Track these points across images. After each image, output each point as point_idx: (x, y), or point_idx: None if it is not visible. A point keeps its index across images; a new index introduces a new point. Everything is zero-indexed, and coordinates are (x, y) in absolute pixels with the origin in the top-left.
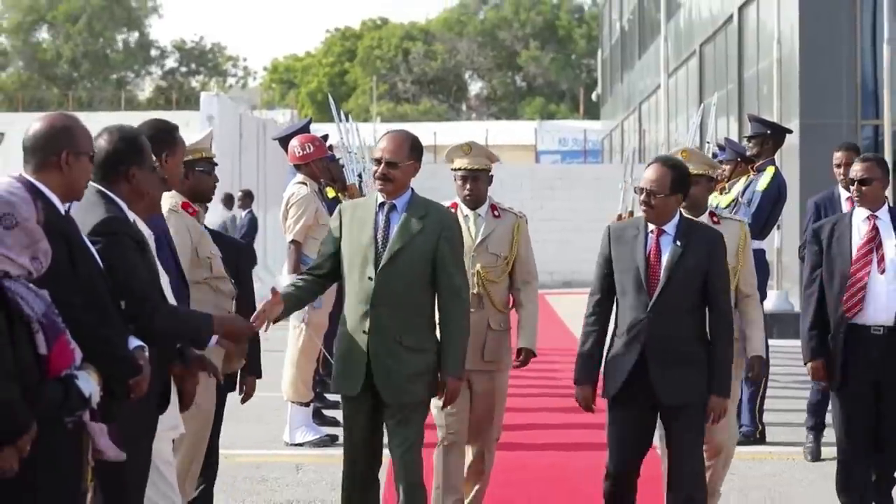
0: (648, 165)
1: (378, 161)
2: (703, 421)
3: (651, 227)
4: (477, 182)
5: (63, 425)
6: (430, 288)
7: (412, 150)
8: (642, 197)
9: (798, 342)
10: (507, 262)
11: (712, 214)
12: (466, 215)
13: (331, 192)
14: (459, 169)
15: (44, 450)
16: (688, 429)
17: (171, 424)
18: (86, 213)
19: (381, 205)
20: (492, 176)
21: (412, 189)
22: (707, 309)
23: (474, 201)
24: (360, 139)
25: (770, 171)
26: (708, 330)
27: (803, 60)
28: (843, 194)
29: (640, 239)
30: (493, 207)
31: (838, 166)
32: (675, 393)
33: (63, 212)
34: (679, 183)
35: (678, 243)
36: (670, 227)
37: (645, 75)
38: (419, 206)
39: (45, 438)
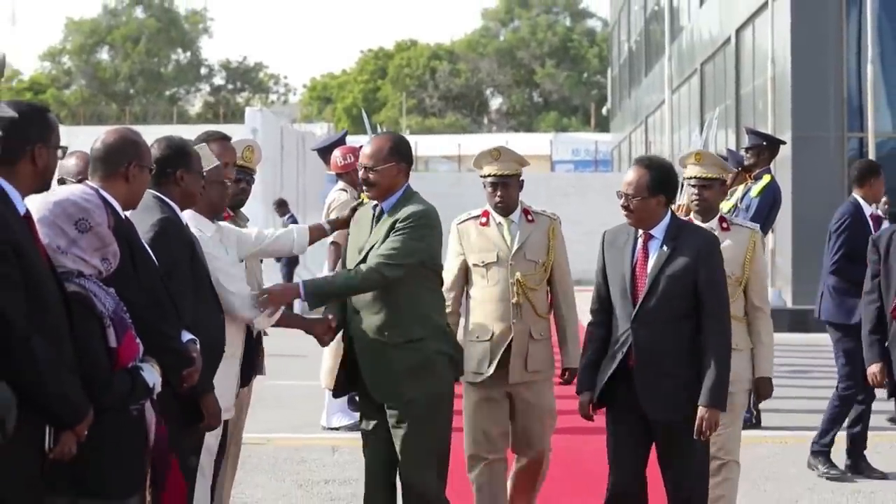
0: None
1: (361, 167)
2: (692, 439)
3: (641, 231)
4: (507, 188)
5: (129, 413)
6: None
7: (391, 152)
8: (622, 201)
9: (790, 336)
10: (545, 268)
11: (722, 220)
12: (500, 223)
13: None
14: (489, 175)
15: (111, 435)
16: (676, 448)
17: (224, 407)
18: (143, 215)
19: (374, 206)
20: (522, 181)
21: (403, 191)
22: (701, 317)
23: (505, 208)
24: None
25: (766, 178)
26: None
27: (795, 78)
28: (867, 209)
29: (628, 245)
30: (525, 212)
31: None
32: (661, 408)
33: (124, 217)
34: (659, 183)
35: (665, 248)
36: (658, 231)
37: (651, 91)
38: (398, 206)
39: (112, 424)
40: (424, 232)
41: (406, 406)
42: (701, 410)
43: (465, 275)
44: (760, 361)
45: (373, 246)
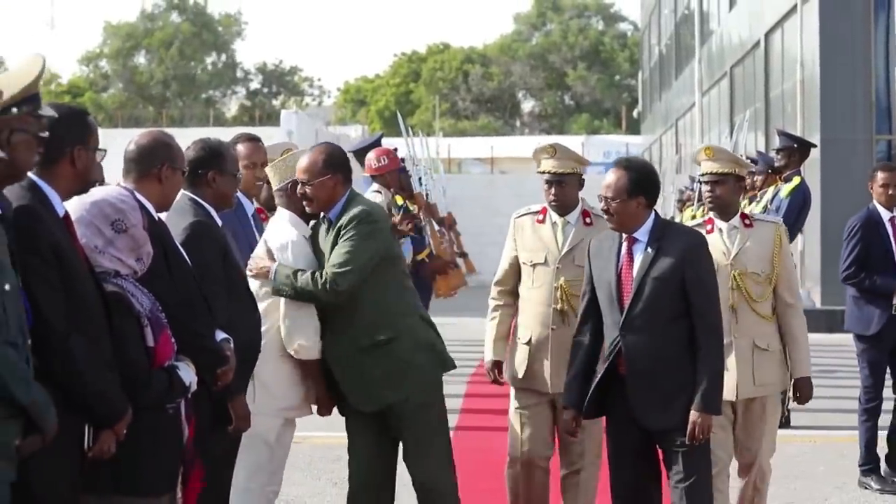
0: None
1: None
2: (693, 447)
3: (626, 236)
4: (563, 187)
5: (165, 411)
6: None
7: (325, 165)
8: (601, 205)
9: (820, 336)
10: None
11: (744, 216)
12: (555, 222)
13: (399, 200)
14: (544, 172)
15: (148, 433)
16: (676, 455)
17: (278, 406)
18: (177, 217)
19: (323, 218)
20: (583, 180)
21: (346, 197)
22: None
23: (561, 207)
24: (427, 151)
25: (796, 180)
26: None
27: (823, 81)
28: (885, 214)
29: (613, 251)
30: (584, 214)
31: (883, 186)
32: (654, 416)
33: (157, 218)
34: (638, 185)
35: (649, 250)
36: (642, 234)
37: (681, 94)
38: (342, 213)
39: (150, 423)
40: (369, 229)
41: (394, 411)
42: (693, 415)
43: (516, 270)
44: (797, 361)
45: (323, 254)
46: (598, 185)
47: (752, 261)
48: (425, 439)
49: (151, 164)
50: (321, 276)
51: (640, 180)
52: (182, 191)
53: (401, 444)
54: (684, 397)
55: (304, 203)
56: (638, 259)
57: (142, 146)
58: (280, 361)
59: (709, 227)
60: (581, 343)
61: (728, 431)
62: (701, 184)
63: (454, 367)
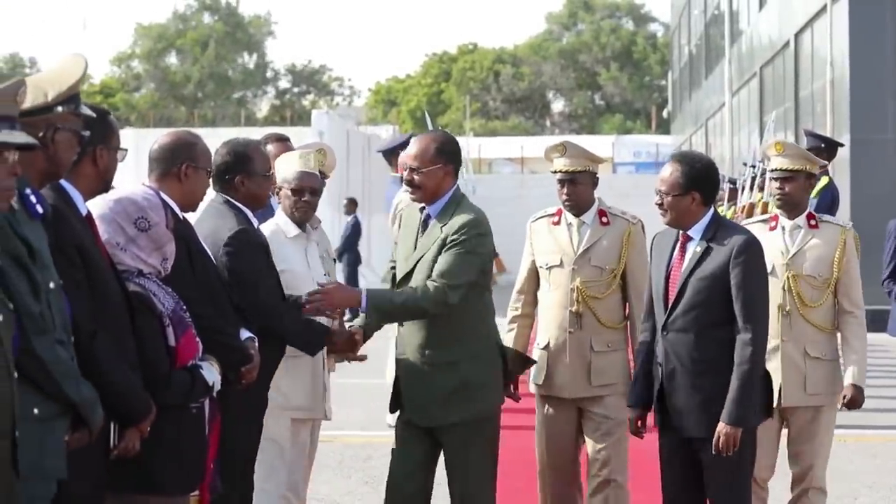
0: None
1: (407, 168)
2: (733, 457)
3: (681, 233)
4: (575, 185)
5: (189, 410)
6: None
7: (438, 153)
8: (656, 199)
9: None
10: (613, 276)
11: (810, 216)
12: (570, 223)
13: None
14: (556, 171)
15: (171, 432)
16: (710, 466)
17: (286, 406)
18: (216, 219)
19: (421, 209)
20: (597, 178)
21: (451, 194)
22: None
23: (575, 206)
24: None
25: (824, 180)
26: None
27: (853, 81)
28: None
29: (668, 247)
30: (601, 213)
31: None
32: (689, 423)
33: (181, 217)
34: (692, 180)
35: (698, 248)
36: (696, 231)
37: (711, 94)
38: (446, 212)
39: (173, 422)
40: (479, 242)
41: (451, 430)
42: (720, 427)
43: (535, 276)
44: (850, 369)
45: (422, 256)
46: (628, 185)
47: (809, 263)
48: (475, 460)
49: (172, 163)
50: (431, 289)
51: (696, 175)
52: (216, 193)
53: (444, 456)
54: (719, 407)
55: (410, 190)
56: (688, 258)
57: (163, 145)
58: (289, 362)
59: (772, 223)
60: (644, 342)
61: (773, 442)
62: (770, 180)
63: (510, 393)
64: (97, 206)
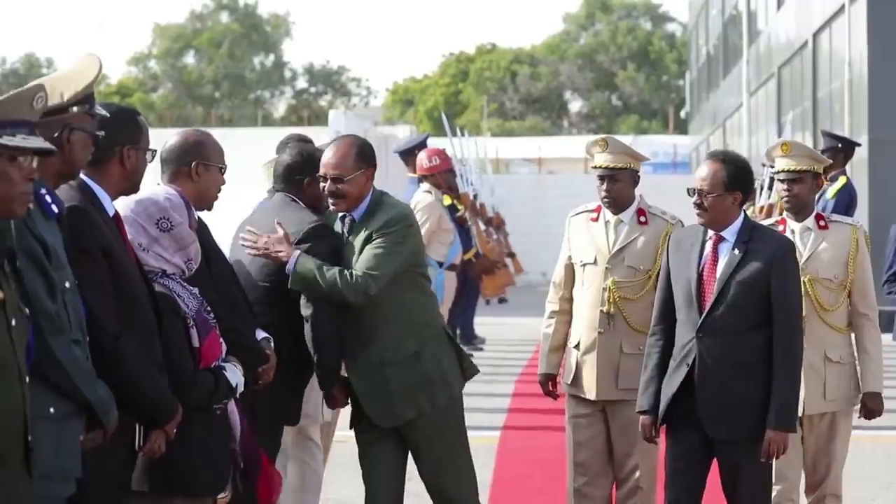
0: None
1: (324, 177)
2: (758, 461)
3: (710, 233)
4: (615, 182)
5: (213, 412)
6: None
7: (359, 159)
8: (694, 198)
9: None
10: (648, 277)
11: (819, 217)
12: (608, 220)
13: (447, 200)
14: (597, 167)
15: (196, 434)
16: (737, 470)
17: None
18: (282, 212)
19: (342, 218)
20: (638, 177)
21: (371, 195)
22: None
23: (614, 204)
24: (476, 151)
25: (842, 180)
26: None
27: (872, 82)
28: None
29: (695, 248)
30: (639, 212)
31: None
32: (723, 426)
33: (197, 217)
34: (736, 179)
35: (737, 251)
36: (730, 233)
37: (728, 95)
38: (370, 213)
39: (197, 423)
40: (406, 233)
41: (415, 426)
42: (769, 433)
43: (571, 271)
44: (867, 375)
45: (353, 259)
46: (647, 185)
47: (824, 265)
48: (446, 455)
49: (183, 161)
50: (351, 276)
51: (739, 175)
52: (276, 192)
53: (414, 452)
54: (754, 410)
55: (333, 202)
56: (723, 259)
57: (172, 145)
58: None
59: (780, 227)
60: (656, 343)
61: (798, 450)
62: (776, 182)
63: (478, 371)
64: (120, 208)
